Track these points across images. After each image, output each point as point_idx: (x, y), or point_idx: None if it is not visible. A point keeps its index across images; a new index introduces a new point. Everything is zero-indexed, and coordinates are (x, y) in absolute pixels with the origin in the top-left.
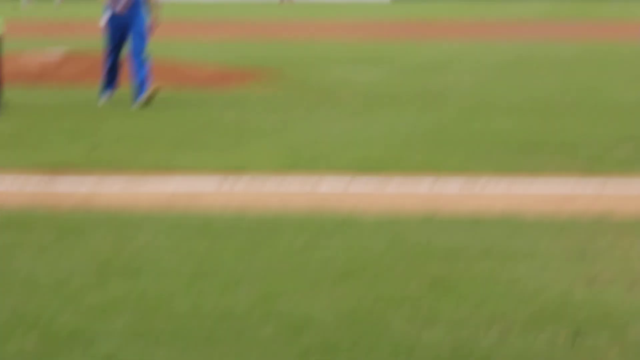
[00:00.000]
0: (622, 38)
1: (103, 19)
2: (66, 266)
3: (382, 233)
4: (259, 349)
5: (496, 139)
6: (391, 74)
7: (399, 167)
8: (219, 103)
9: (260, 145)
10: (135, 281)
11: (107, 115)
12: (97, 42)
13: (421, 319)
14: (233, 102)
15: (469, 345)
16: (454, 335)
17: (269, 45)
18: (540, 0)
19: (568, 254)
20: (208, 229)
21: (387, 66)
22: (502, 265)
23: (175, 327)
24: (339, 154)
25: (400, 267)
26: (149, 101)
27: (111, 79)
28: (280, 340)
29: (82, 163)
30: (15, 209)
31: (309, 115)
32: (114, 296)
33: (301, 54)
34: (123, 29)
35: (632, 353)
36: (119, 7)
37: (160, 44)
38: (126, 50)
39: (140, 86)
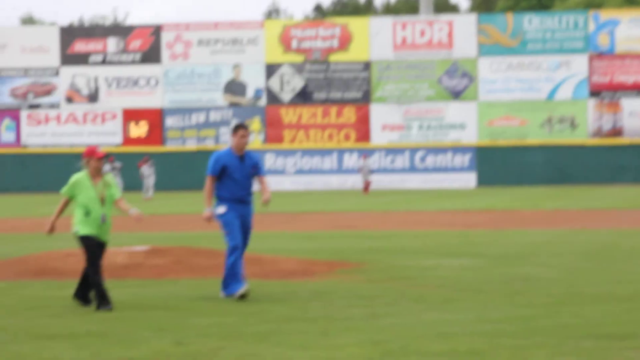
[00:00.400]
0: None
1: (221, 207)
2: None
3: None
4: None
5: (585, 330)
6: (477, 264)
7: None
8: (304, 295)
9: (346, 340)
10: None
11: (192, 309)
12: (179, 237)
13: None
14: (318, 294)
15: None
16: None
17: (353, 235)
18: (623, 187)
19: None
20: None
21: (473, 256)
22: None
23: None
24: (426, 347)
25: None
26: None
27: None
28: None
29: (166, 359)
30: None
31: (395, 307)
32: None
33: (385, 245)
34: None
35: None
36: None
37: None
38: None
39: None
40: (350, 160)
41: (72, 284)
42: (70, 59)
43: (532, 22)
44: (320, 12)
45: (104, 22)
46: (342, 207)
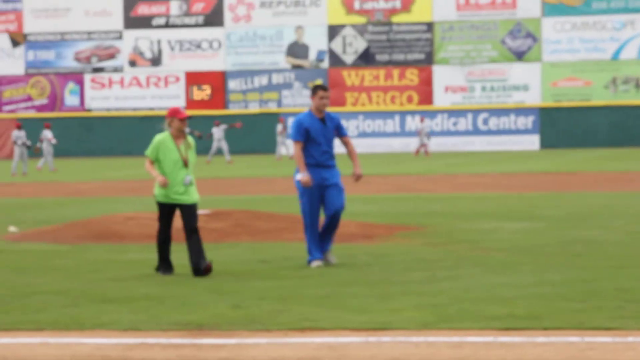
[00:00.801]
0: None
1: (299, 174)
2: None
3: None
4: None
5: None
6: (537, 227)
7: (544, 325)
8: (364, 258)
9: (403, 303)
10: None
11: (251, 272)
12: (240, 200)
13: None
14: (377, 257)
15: None
16: None
17: (414, 198)
18: None
19: None
20: None
21: (534, 218)
22: None
23: None
24: (483, 311)
25: None
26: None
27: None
28: None
29: (224, 323)
30: None
31: (454, 270)
32: None
33: (446, 208)
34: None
35: None
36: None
37: None
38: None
39: (329, 244)
40: (413, 123)
41: (132, 248)
42: (133, 22)
43: None
44: None
45: None
46: (403, 170)
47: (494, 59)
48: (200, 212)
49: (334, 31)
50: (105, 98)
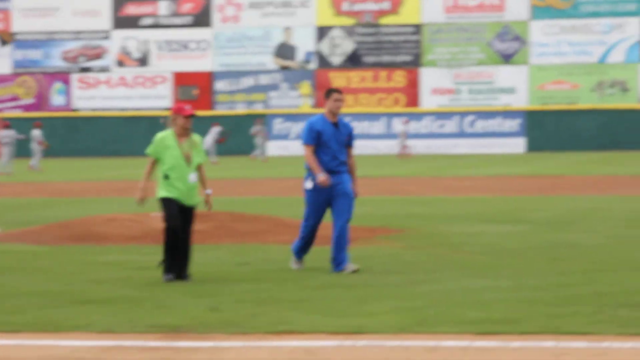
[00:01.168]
0: None
1: (309, 182)
2: None
3: None
4: None
5: (622, 298)
6: (520, 230)
7: (520, 329)
8: None
9: (381, 307)
10: None
11: (230, 275)
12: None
13: None
14: (357, 260)
15: None
16: None
17: (398, 201)
18: None
19: None
20: None
21: (517, 222)
22: None
23: None
24: (460, 315)
25: None
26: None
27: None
28: None
29: (200, 326)
30: None
31: (433, 274)
32: None
33: (430, 211)
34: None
35: None
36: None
37: (286, 202)
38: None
39: (344, 255)
40: (399, 125)
41: (113, 249)
42: (121, 22)
43: None
44: None
45: None
46: (389, 172)
47: (481, 61)
48: None
49: (322, 32)
50: (92, 98)
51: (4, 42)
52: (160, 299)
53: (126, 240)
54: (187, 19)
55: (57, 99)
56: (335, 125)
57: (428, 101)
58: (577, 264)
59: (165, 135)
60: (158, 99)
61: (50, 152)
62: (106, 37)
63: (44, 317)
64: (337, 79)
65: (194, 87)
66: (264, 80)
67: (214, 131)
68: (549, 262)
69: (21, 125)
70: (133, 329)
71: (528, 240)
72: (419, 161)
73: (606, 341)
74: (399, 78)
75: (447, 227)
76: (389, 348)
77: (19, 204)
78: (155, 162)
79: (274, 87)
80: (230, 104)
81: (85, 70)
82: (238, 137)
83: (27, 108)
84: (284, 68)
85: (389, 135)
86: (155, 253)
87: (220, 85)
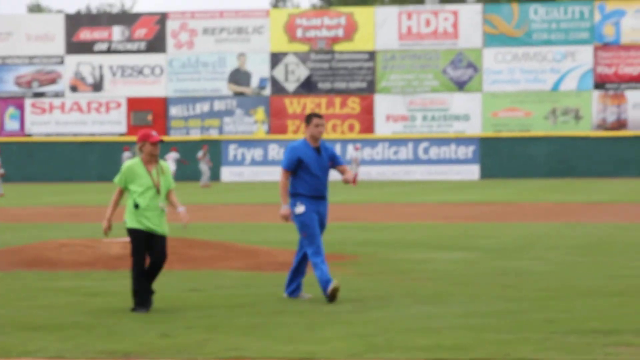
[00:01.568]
0: None
1: (299, 207)
2: None
3: None
4: None
5: (571, 325)
6: (471, 257)
7: (470, 356)
8: None
9: (331, 333)
10: None
11: (181, 301)
12: (174, 227)
13: None
14: (309, 286)
15: None
16: None
17: (351, 227)
18: (626, 180)
19: None
20: None
21: (468, 249)
22: None
23: None
24: (411, 341)
25: None
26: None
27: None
28: None
29: (151, 352)
30: None
31: (384, 300)
32: None
33: (382, 237)
34: (322, 214)
35: None
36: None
37: (239, 228)
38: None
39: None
40: (354, 151)
41: (65, 275)
42: (75, 47)
43: (538, 13)
44: (326, 1)
45: (111, 10)
46: (343, 198)
47: (435, 88)
48: None
49: (276, 59)
50: (45, 123)
51: None
52: (111, 325)
53: (78, 266)
54: (141, 45)
55: (10, 124)
56: (318, 150)
57: (382, 128)
58: (526, 291)
59: (133, 164)
60: (112, 124)
61: (3, 177)
62: (60, 62)
63: None
64: (292, 105)
65: (148, 113)
66: (218, 106)
67: (172, 156)
68: (498, 289)
69: None
70: (83, 355)
71: (478, 267)
72: (373, 187)
73: None
74: (353, 104)
75: (399, 253)
76: None
77: None
78: (122, 191)
79: (228, 112)
80: (185, 129)
81: (38, 95)
82: (193, 163)
83: None
84: (239, 94)
85: (343, 162)
86: (108, 278)
87: (174, 110)
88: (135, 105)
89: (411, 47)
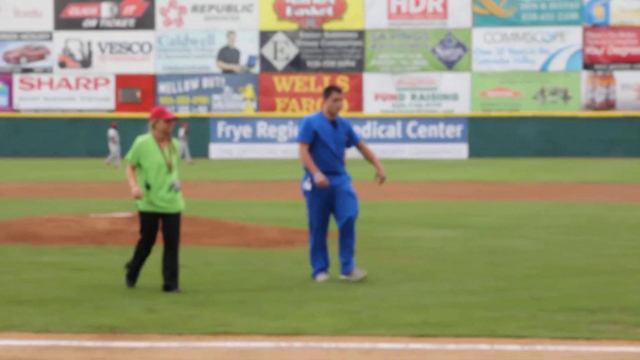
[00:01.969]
0: None
1: (307, 183)
2: None
3: None
4: None
5: (558, 303)
6: (460, 235)
7: (456, 332)
8: (283, 264)
9: (318, 309)
10: None
11: None
12: None
13: None
14: (297, 263)
15: None
16: None
17: None
18: (615, 161)
19: None
20: None
21: (457, 227)
22: None
23: None
24: (397, 318)
25: None
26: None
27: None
28: None
29: (136, 326)
30: None
31: (372, 278)
32: None
33: (371, 215)
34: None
35: None
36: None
37: (227, 205)
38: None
39: (350, 255)
40: None
41: (50, 250)
42: (63, 23)
43: None
44: None
45: None
46: None
47: (424, 67)
48: (122, 215)
49: (265, 37)
50: (34, 99)
51: None
52: (97, 299)
53: (64, 241)
54: (130, 22)
55: None
56: (334, 123)
57: (371, 106)
58: (515, 269)
59: (146, 140)
60: (100, 100)
61: None
62: (48, 38)
63: None
64: (281, 83)
65: (137, 89)
66: (207, 83)
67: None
68: (487, 267)
69: None
70: (68, 329)
71: (467, 245)
72: (361, 165)
73: (540, 344)
74: (342, 83)
75: (387, 231)
76: (325, 350)
77: None
78: (135, 167)
79: (217, 90)
80: (174, 106)
81: (27, 71)
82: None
83: None
84: (228, 72)
85: None
86: (95, 253)
87: (163, 87)
88: (124, 82)
89: (400, 27)
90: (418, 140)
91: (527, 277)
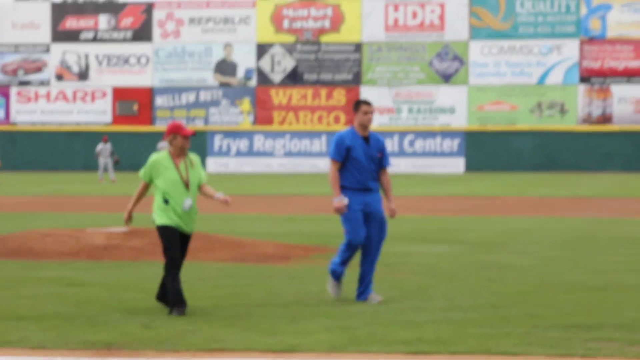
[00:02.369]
0: None
1: (343, 198)
2: None
3: None
4: None
5: (553, 319)
6: (455, 251)
7: (451, 349)
8: (279, 280)
9: (314, 325)
10: None
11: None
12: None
13: None
14: (293, 279)
15: None
16: None
17: (335, 219)
18: (611, 175)
19: None
20: None
21: (452, 242)
22: None
23: None
24: (392, 335)
25: None
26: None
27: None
28: None
29: (132, 342)
30: None
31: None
32: None
33: None
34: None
35: None
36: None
37: (227, 218)
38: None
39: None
40: None
41: (48, 265)
42: (61, 35)
43: (524, 6)
44: None
45: None
46: (327, 190)
47: (421, 80)
48: (118, 229)
49: (262, 49)
50: (31, 112)
51: None
52: (93, 315)
53: (61, 256)
54: (128, 34)
55: None
56: (366, 139)
57: None
58: (509, 285)
59: (161, 157)
60: (97, 113)
61: None
62: (46, 51)
63: None
64: (278, 96)
65: (134, 102)
66: (204, 96)
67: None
68: (481, 283)
69: None
70: (65, 345)
71: (462, 260)
72: None
73: None
74: (340, 96)
75: (383, 246)
76: None
77: None
78: (147, 185)
79: (214, 103)
80: (171, 119)
81: (24, 83)
82: None
83: None
84: (224, 84)
85: (328, 153)
86: (92, 268)
87: (160, 100)
88: (121, 94)
89: (397, 39)
90: (414, 154)
91: (521, 293)
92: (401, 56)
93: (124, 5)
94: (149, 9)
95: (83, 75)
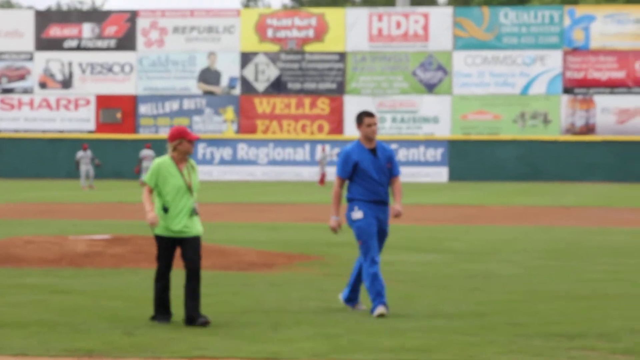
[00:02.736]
0: None
1: (357, 212)
2: None
3: None
4: None
5: (536, 328)
6: (439, 259)
7: (433, 357)
8: (261, 287)
9: (297, 333)
10: None
11: (147, 299)
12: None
13: None
14: (276, 286)
15: None
16: None
17: (318, 228)
18: (594, 185)
19: None
20: None
21: (437, 251)
22: None
23: None
24: (375, 342)
25: None
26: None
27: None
28: None
29: (114, 350)
30: None
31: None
32: None
33: (350, 238)
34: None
35: None
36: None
37: (210, 226)
38: None
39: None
40: (321, 152)
41: (30, 272)
42: (44, 43)
43: (508, 16)
44: (297, 1)
45: (81, 7)
46: (310, 199)
47: (405, 90)
48: (100, 237)
49: (246, 58)
50: (14, 119)
51: None
52: (76, 323)
53: (43, 263)
54: (111, 42)
55: None
56: (373, 151)
57: (352, 129)
58: (494, 293)
59: (165, 163)
60: (81, 121)
61: None
62: (29, 59)
63: None
64: (262, 105)
65: (118, 110)
66: (187, 104)
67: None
68: (466, 292)
69: None
70: (47, 352)
71: (446, 269)
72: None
73: None
74: (323, 105)
75: None
76: None
77: None
78: (152, 191)
79: (198, 111)
80: (155, 127)
81: (7, 91)
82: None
83: None
84: (208, 93)
85: (312, 162)
86: (74, 276)
87: (144, 109)
88: (105, 102)
89: (381, 49)
90: (398, 163)
91: (505, 302)
92: (385, 66)
93: (108, 13)
94: (133, 17)
95: (67, 83)
